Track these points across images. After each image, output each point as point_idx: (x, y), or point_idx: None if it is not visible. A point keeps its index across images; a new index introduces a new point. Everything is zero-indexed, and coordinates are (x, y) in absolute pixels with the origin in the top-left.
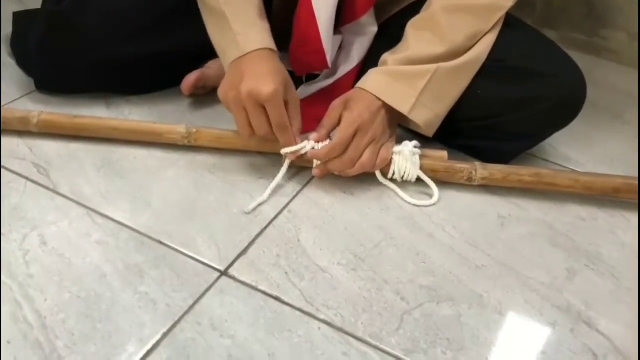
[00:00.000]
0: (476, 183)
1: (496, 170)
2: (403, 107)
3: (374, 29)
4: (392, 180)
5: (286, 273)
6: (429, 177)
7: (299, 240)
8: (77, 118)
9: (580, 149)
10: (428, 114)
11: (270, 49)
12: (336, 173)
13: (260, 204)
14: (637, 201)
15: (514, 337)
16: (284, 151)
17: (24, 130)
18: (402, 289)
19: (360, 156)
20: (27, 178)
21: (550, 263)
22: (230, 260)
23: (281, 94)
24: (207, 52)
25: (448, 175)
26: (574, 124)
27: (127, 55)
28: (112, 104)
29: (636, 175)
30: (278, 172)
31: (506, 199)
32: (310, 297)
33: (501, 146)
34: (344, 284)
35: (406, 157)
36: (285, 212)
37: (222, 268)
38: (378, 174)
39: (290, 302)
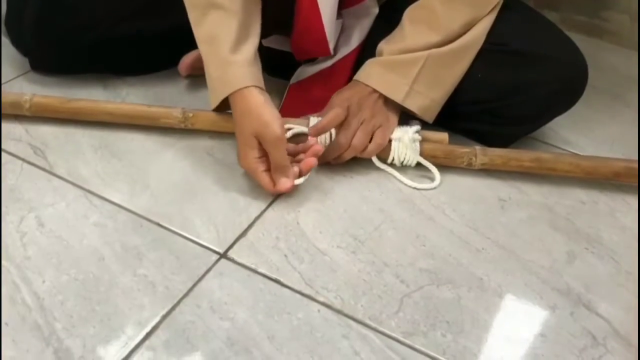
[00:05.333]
0: (476, 168)
1: (496, 156)
2: (396, 96)
3: (375, 11)
4: (391, 164)
5: (285, 255)
6: (429, 161)
7: (298, 223)
8: (71, 102)
9: (581, 132)
10: (423, 101)
11: (245, 87)
12: (332, 161)
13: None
14: (637, 185)
15: (513, 320)
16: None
17: (17, 114)
18: (401, 271)
19: (352, 139)
20: (23, 159)
21: (550, 246)
22: (230, 243)
23: (251, 167)
24: None
25: (448, 160)
26: (575, 107)
27: (124, 34)
28: (108, 85)
29: (636, 158)
30: None
31: (506, 182)
32: (309, 280)
33: (502, 130)
34: (343, 267)
35: (406, 144)
36: (284, 194)
37: (221, 250)
38: (374, 158)
39: (290, 284)
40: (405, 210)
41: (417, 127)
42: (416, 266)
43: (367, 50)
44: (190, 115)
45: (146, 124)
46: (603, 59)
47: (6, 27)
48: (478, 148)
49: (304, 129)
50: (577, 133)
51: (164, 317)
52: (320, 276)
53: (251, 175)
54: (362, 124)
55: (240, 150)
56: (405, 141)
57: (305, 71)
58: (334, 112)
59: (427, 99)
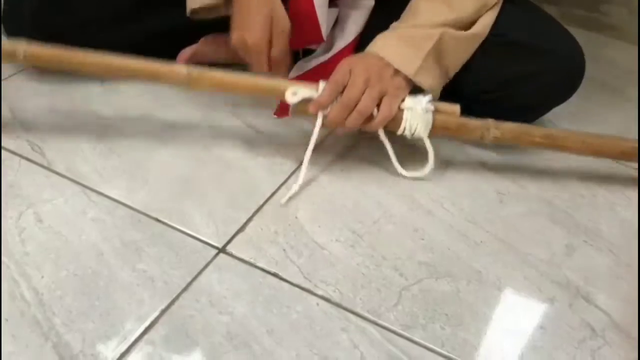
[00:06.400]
0: (488, 142)
1: (508, 130)
2: (409, 70)
3: (370, 3)
4: (401, 136)
5: (284, 250)
6: (441, 134)
7: (296, 217)
8: (70, 52)
9: (580, 125)
10: (432, 78)
11: None
12: (338, 131)
13: (294, 192)
14: (637, 176)
15: (512, 312)
16: (290, 94)
17: (11, 62)
18: (400, 265)
19: (358, 101)
20: (21, 156)
21: (549, 239)
22: (228, 237)
23: (262, 43)
24: (202, 28)
25: (460, 132)
26: (574, 100)
27: (121, 31)
28: (106, 81)
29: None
30: (274, 149)
31: (505, 176)
32: (308, 274)
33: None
34: (342, 261)
35: (418, 114)
36: (283, 189)
37: (219, 245)
38: (380, 130)
39: (289, 278)
40: (404, 204)
41: (429, 97)
42: (415, 259)
43: (364, 44)
44: (195, 74)
45: (148, 80)
46: (602, 53)
47: (3, 22)
48: (491, 121)
49: (313, 94)
50: (577, 126)
51: (163, 311)
52: (319, 270)
53: (252, 52)
54: (367, 88)
55: (255, 28)
56: (417, 111)
57: (303, 66)
58: (333, 81)
59: (435, 76)
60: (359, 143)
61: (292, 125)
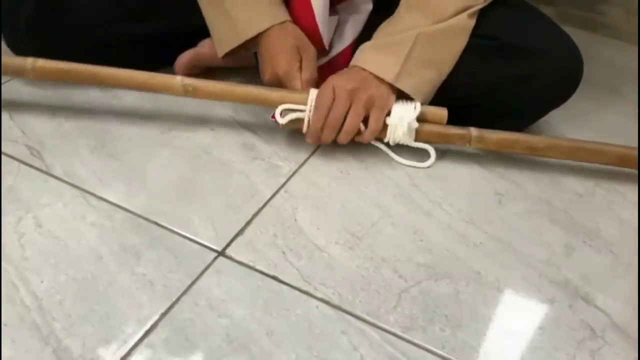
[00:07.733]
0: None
1: (490, 142)
2: (388, 76)
3: (368, 7)
4: (386, 143)
5: (283, 252)
6: (424, 142)
7: (295, 220)
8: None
9: (577, 125)
10: (416, 80)
11: (277, 24)
12: (338, 140)
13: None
14: (636, 173)
15: (512, 313)
16: (281, 107)
17: (19, 77)
18: (399, 266)
19: (344, 118)
20: (20, 160)
21: (548, 239)
22: (227, 241)
23: (293, 71)
24: (201, 31)
25: (443, 142)
26: (571, 100)
27: (119, 35)
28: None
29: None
30: (273, 151)
31: (503, 176)
32: (307, 276)
33: (497, 125)
34: (341, 263)
35: (402, 128)
36: (281, 191)
37: (219, 248)
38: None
39: (288, 281)
40: (403, 206)
41: (415, 105)
42: (414, 261)
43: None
44: (190, 89)
45: (146, 89)
46: (598, 52)
47: (1, 28)
48: (474, 132)
49: (300, 115)
50: (573, 125)
51: (163, 315)
52: (318, 272)
53: (285, 82)
54: (352, 102)
55: (285, 61)
56: (402, 125)
57: None
58: (319, 104)
59: (420, 77)
60: (358, 145)
61: (290, 128)
